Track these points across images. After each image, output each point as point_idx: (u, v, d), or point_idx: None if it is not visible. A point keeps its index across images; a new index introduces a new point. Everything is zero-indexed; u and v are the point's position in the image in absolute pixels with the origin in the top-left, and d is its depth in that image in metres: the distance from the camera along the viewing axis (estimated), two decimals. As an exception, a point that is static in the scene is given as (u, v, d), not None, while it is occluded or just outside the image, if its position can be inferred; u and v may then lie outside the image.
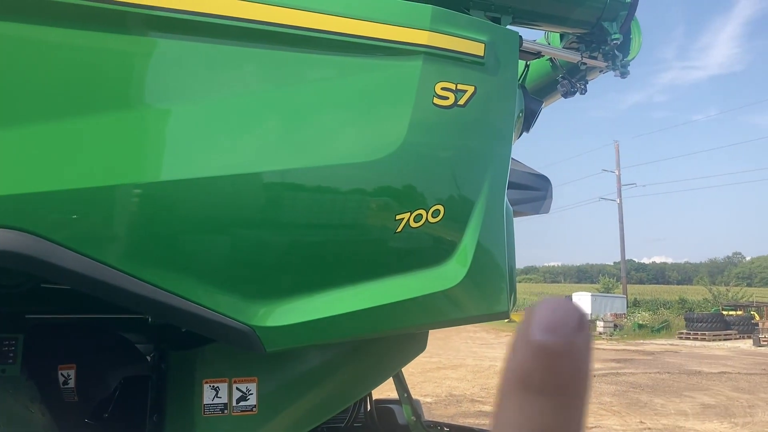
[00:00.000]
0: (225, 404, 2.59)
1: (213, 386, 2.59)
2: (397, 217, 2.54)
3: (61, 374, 2.59)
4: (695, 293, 50.12)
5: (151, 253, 2.16)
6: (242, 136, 2.38)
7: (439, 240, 2.65)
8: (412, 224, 2.56)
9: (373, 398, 3.55)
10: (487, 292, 2.74)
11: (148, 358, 2.95)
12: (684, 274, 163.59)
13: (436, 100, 2.67)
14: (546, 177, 4.57)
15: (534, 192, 4.54)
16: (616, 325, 35.67)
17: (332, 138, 2.54)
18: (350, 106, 2.58)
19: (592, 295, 43.82)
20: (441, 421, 3.73)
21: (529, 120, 3.59)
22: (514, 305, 2.87)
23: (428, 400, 14.41)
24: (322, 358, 2.80)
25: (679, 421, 11.70)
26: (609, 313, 38.96)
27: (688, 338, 31.24)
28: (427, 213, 2.59)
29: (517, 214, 4.45)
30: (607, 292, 52.25)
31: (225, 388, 2.60)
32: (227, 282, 2.28)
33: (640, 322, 36.14)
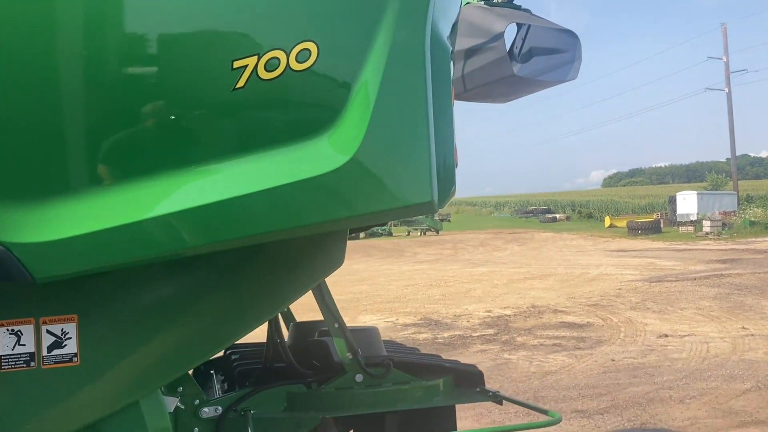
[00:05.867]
0: (31, 354, 1.82)
1: (11, 330, 1.82)
2: (236, 64, 1.62)
3: None
4: (819, 184, 45.88)
5: None
6: None
7: (313, 97, 1.70)
8: (263, 74, 1.63)
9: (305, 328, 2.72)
10: (395, 176, 1.76)
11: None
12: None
13: None
14: (573, 33, 3.54)
15: (559, 55, 3.58)
16: (724, 224, 33.33)
17: None
18: None
19: (698, 194, 41.55)
20: (402, 348, 2.86)
21: None
22: (449, 195, 1.88)
23: (507, 312, 13.58)
24: (180, 280, 1.96)
25: (789, 326, 10.32)
26: (717, 212, 36.48)
27: (808, 233, 28.61)
28: (287, 55, 1.65)
29: (541, 84, 3.55)
30: (716, 190, 49.05)
31: (30, 332, 1.83)
32: None
33: (752, 219, 33.64)
